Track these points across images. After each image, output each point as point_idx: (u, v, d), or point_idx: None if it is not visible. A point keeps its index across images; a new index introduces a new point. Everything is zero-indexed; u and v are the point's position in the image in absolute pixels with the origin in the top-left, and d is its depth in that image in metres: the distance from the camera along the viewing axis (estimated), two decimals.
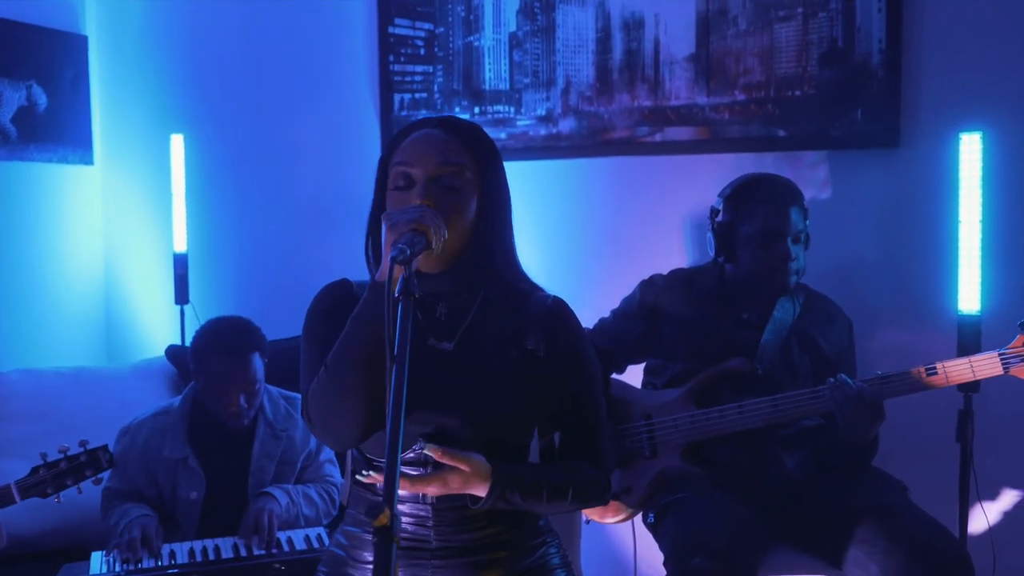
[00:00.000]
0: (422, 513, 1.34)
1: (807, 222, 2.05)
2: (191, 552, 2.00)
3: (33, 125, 3.14)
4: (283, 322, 2.97)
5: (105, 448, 1.87)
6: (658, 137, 2.51)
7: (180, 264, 3.04)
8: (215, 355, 2.10)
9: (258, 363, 2.13)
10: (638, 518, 2.11)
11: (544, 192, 2.71)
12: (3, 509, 1.79)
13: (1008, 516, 2.23)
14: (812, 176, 2.36)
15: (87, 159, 3.37)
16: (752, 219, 1.99)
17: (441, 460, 1.22)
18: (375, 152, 2.90)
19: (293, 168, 3.10)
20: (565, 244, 2.69)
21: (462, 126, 1.40)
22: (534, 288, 1.46)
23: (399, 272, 1.13)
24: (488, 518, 1.36)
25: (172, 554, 1.99)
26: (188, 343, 2.99)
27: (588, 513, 2.12)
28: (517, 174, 2.68)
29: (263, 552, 2.00)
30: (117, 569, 1.92)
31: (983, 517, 2.11)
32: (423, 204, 1.28)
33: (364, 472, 1.29)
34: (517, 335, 1.39)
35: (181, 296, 3.04)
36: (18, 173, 3.12)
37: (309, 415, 1.29)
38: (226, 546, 2.02)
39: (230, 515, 2.09)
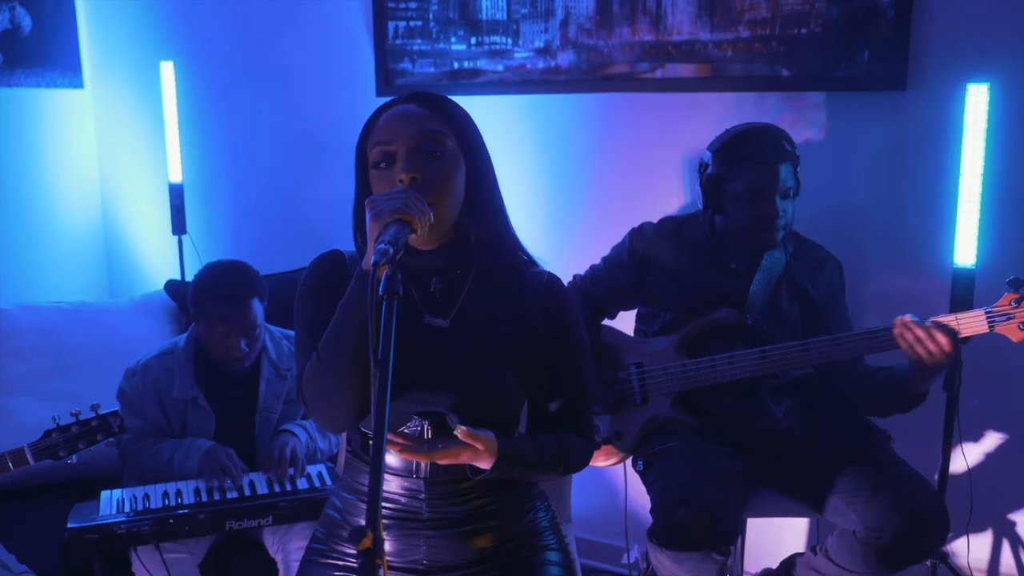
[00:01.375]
0: (414, 487, 1.39)
1: (798, 171, 2.02)
2: (196, 491, 2.07)
3: (19, 49, 3.06)
4: (281, 254, 3.00)
5: (115, 413, 1.90)
6: (659, 74, 2.44)
7: (176, 194, 3.02)
8: (215, 302, 2.11)
9: (258, 308, 2.15)
10: (629, 462, 2.17)
11: (542, 127, 2.66)
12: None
13: (988, 462, 2.29)
14: (814, 117, 2.31)
15: (76, 82, 3.30)
16: (740, 177, 1.96)
17: (466, 439, 1.26)
18: (369, 82, 2.84)
19: (286, 98, 3.04)
20: (562, 180, 2.67)
21: (434, 98, 1.38)
22: (530, 262, 1.46)
23: (384, 269, 1.13)
24: (479, 490, 1.40)
25: (179, 493, 2.06)
26: (186, 275, 3.03)
27: None
28: (514, 108, 2.68)
29: (266, 491, 2.07)
30: (126, 509, 1.99)
31: (963, 462, 2.17)
32: (407, 184, 1.27)
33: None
34: (512, 312, 1.40)
35: (178, 227, 3.03)
36: (7, 100, 3.07)
37: (304, 399, 1.32)
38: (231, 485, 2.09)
39: (239, 453, 2.15)
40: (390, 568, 1.41)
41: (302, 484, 2.10)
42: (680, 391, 2.06)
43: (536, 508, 1.51)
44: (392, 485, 1.40)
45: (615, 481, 2.51)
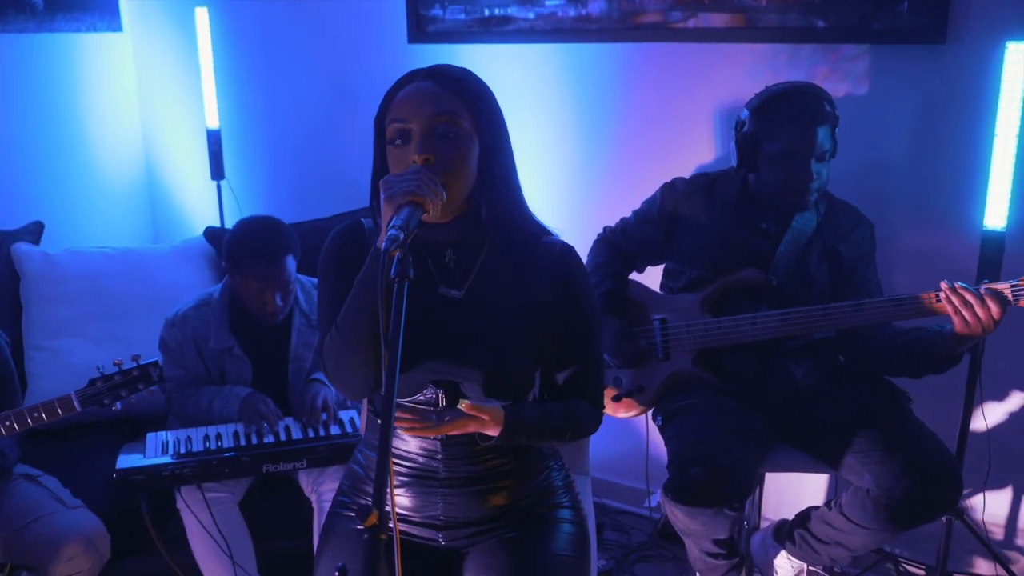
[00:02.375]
0: (431, 447, 1.45)
1: (836, 132, 1.99)
2: (236, 435, 2.17)
3: None
4: (315, 200, 3.06)
5: (156, 364, 1.98)
6: (691, 23, 2.39)
7: (214, 140, 3.07)
8: (249, 259, 2.17)
9: (291, 264, 2.20)
10: (650, 413, 2.22)
11: (572, 77, 2.64)
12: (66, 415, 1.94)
13: (1009, 421, 2.30)
14: (849, 70, 2.26)
15: (115, 26, 3.34)
16: (776, 137, 1.94)
17: (469, 412, 1.30)
18: (401, 29, 2.83)
19: (319, 45, 3.04)
20: (592, 131, 2.66)
21: (452, 75, 1.38)
22: (543, 232, 1.48)
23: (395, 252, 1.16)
24: (494, 451, 1.47)
25: (219, 436, 2.17)
26: (225, 221, 3.10)
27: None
28: (545, 57, 2.66)
29: (300, 437, 2.17)
30: (170, 451, 2.10)
31: (983, 421, 2.18)
32: (420, 165, 1.29)
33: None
34: (525, 283, 1.43)
35: (216, 172, 3.10)
36: (48, 45, 3.12)
37: (325, 367, 1.38)
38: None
39: (275, 400, 2.24)
40: (410, 522, 1.49)
41: (334, 430, 2.20)
42: (702, 348, 2.09)
43: (550, 468, 1.57)
44: (411, 445, 1.47)
45: (639, 427, 2.56)
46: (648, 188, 2.23)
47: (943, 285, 1.80)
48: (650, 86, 2.54)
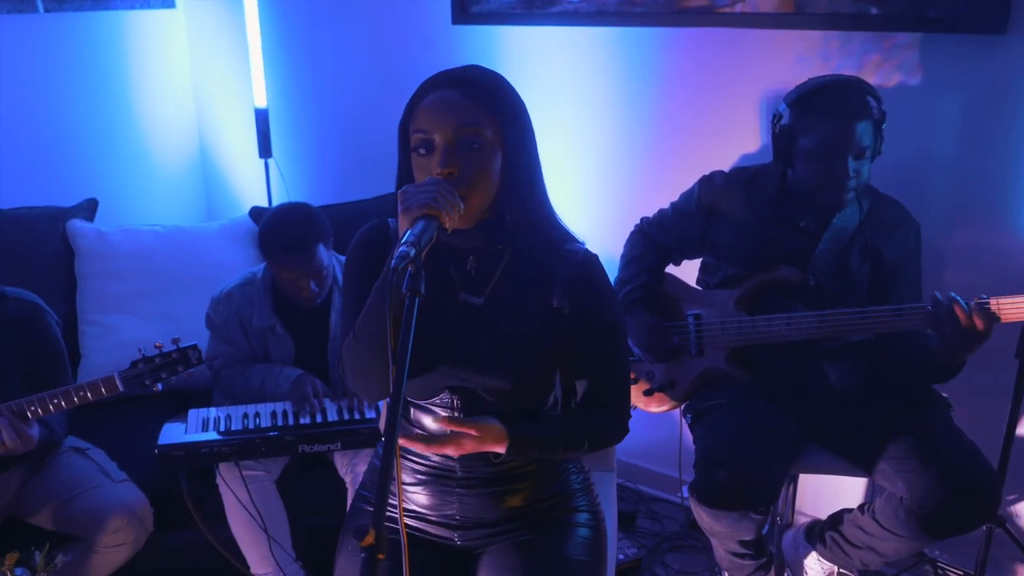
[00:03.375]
0: None
1: (883, 127, 1.92)
2: (273, 415, 2.23)
3: None
4: (360, 180, 3.08)
5: (195, 347, 2.03)
6: (739, 8, 2.32)
7: (261, 119, 3.11)
8: (281, 251, 2.21)
9: (322, 252, 2.23)
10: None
11: (616, 62, 2.59)
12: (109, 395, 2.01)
13: None
14: (902, 60, 2.17)
15: (168, 2, 3.39)
16: (812, 132, 1.88)
17: (451, 428, 1.31)
18: (445, 10, 2.80)
19: (364, 25, 3.05)
20: (634, 118, 2.61)
21: (477, 83, 1.36)
22: (567, 239, 1.46)
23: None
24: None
25: (258, 415, 2.22)
26: (272, 199, 3.15)
27: (634, 401, 2.23)
28: (589, 41, 2.61)
29: (336, 419, 2.21)
30: (210, 428, 2.17)
31: None
32: (440, 177, 1.29)
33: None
34: (545, 291, 1.42)
35: (264, 150, 3.14)
36: (104, 23, 3.19)
37: (343, 371, 1.40)
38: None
39: (319, 378, 2.29)
40: (427, 521, 1.52)
41: (370, 414, 2.23)
42: (735, 346, 2.06)
43: (568, 471, 1.57)
44: None
45: (675, 415, 2.54)
46: (690, 179, 2.18)
47: (934, 294, 1.80)
48: (695, 73, 2.48)
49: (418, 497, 1.51)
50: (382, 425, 1.60)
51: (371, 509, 1.51)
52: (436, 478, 1.49)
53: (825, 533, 2.10)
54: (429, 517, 1.51)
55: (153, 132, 3.43)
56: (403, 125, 1.38)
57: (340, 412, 2.24)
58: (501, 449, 1.36)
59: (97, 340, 2.67)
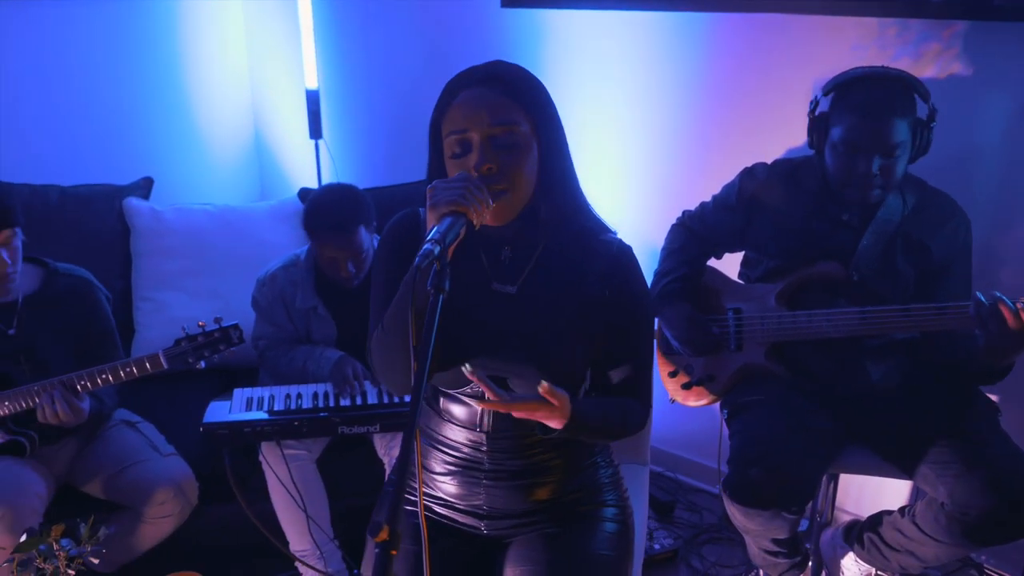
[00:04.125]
0: (477, 439, 1.48)
1: (930, 126, 1.84)
2: (315, 396, 2.27)
3: None
4: (409, 163, 3.10)
5: (236, 326, 2.08)
6: None
7: (312, 100, 3.15)
8: (323, 231, 2.24)
9: (363, 234, 2.25)
10: None
11: (662, 47, 2.54)
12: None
13: None
14: (963, 49, 2.08)
15: None
16: (841, 124, 1.83)
17: (545, 395, 1.25)
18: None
19: (415, 7, 3.04)
20: (678, 106, 2.57)
21: (508, 79, 1.35)
22: (601, 230, 1.45)
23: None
24: (539, 446, 1.48)
25: (300, 396, 2.26)
26: (322, 179, 3.19)
27: (673, 394, 2.21)
28: (632, 25, 2.57)
29: (375, 402, 2.23)
30: (254, 408, 2.22)
31: None
32: (472, 174, 1.29)
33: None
34: (578, 281, 1.41)
35: (315, 131, 3.18)
36: (164, 5, 3.25)
37: (371, 363, 1.42)
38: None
39: (359, 360, 2.32)
40: (455, 509, 1.53)
41: (408, 398, 2.26)
42: (775, 341, 2.03)
43: (597, 465, 1.57)
44: (457, 434, 1.50)
45: (717, 408, 2.52)
46: (735, 169, 2.14)
47: (973, 293, 1.74)
48: (745, 59, 2.42)
49: (447, 487, 1.52)
50: (412, 414, 1.61)
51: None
52: (465, 469, 1.50)
53: (864, 534, 2.06)
54: (457, 506, 1.53)
55: (209, 113, 3.49)
56: (434, 122, 1.38)
57: (380, 395, 2.26)
58: (560, 424, 1.32)
59: (150, 316, 2.75)
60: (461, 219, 1.22)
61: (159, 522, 2.17)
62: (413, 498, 1.57)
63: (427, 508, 1.56)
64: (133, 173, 2.98)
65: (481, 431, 1.47)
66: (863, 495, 2.51)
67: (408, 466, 1.03)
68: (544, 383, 1.27)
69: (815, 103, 1.92)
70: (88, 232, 2.80)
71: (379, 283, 1.47)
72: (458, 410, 1.48)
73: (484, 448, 1.48)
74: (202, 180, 3.47)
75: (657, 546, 2.52)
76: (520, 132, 1.33)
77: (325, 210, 2.25)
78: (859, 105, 1.80)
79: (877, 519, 2.07)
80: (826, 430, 1.93)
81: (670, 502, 2.74)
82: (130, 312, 2.78)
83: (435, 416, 1.54)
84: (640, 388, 1.49)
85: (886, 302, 1.89)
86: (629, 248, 1.47)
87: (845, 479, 2.41)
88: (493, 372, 1.42)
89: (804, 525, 2.36)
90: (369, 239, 2.29)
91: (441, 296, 1.15)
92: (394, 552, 0.98)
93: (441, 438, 1.52)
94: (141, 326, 2.75)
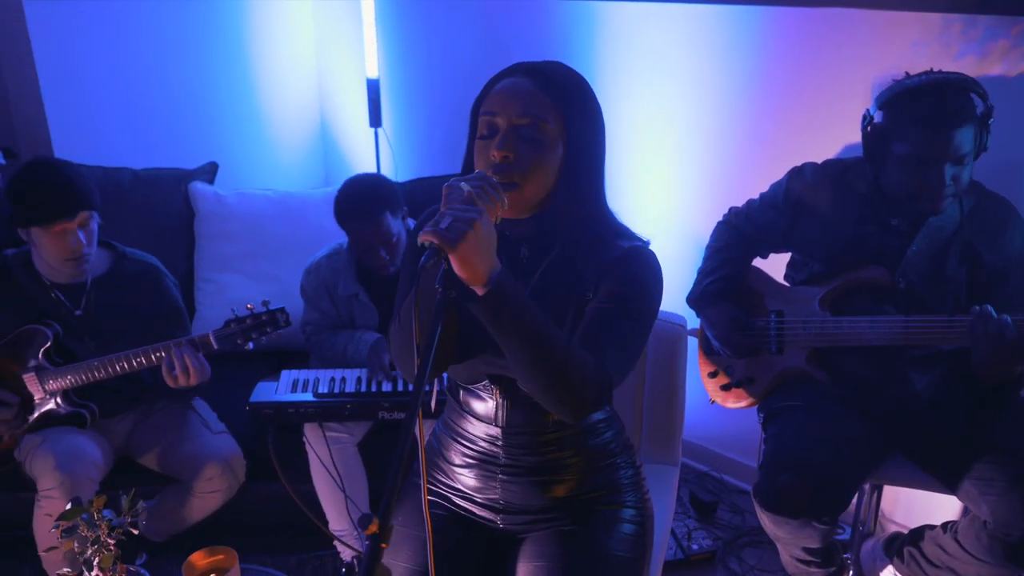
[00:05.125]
0: (493, 433, 1.50)
1: (988, 124, 1.76)
2: (358, 380, 2.32)
3: None
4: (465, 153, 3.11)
5: (282, 310, 2.15)
6: None
7: (373, 89, 3.20)
8: (351, 219, 2.29)
9: (389, 220, 2.27)
10: None
11: (717, 41, 2.49)
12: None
13: None
14: None
15: None
16: (906, 138, 1.75)
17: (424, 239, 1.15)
18: None
19: (476, 2, 3.05)
20: (729, 102, 2.52)
21: (552, 76, 1.34)
22: (622, 236, 1.42)
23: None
24: (557, 443, 1.48)
25: (343, 380, 2.32)
26: (381, 167, 3.25)
27: (712, 395, 2.18)
28: (689, 18, 2.53)
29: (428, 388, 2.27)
30: (299, 390, 2.29)
31: None
32: (499, 162, 1.30)
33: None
34: (577, 283, 1.39)
35: (374, 120, 3.23)
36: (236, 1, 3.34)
37: (390, 350, 1.45)
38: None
39: None
40: (473, 502, 1.56)
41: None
42: (816, 347, 1.98)
43: (616, 465, 1.56)
44: (475, 428, 1.52)
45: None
46: (788, 167, 2.09)
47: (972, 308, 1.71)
48: (801, 55, 2.35)
49: (465, 479, 1.55)
50: (433, 408, 1.63)
51: (418, 481, 1.60)
52: (481, 463, 1.52)
53: (904, 548, 2.01)
54: (475, 499, 1.55)
55: (276, 100, 3.58)
56: (475, 107, 1.39)
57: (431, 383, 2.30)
58: (481, 284, 1.20)
59: (211, 297, 2.85)
60: (467, 226, 1.16)
61: (207, 496, 2.27)
62: (435, 488, 1.60)
63: (446, 499, 1.59)
64: (201, 158, 3.09)
65: (497, 426, 1.49)
66: (912, 507, 2.43)
67: (404, 460, 1.05)
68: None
69: (868, 118, 1.85)
70: (156, 214, 2.92)
71: (404, 275, 1.50)
72: (476, 404, 1.51)
73: (500, 443, 1.50)
74: (268, 166, 3.57)
75: (695, 546, 2.50)
76: (546, 129, 1.32)
77: (349, 199, 2.31)
78: (926, 118, 1.73)
79: (919, 533, 2.01)
80: (865, 439, 1.88)
81: (712, 502, 2.71)
82: (192, 293, 2.88)
83: (456, 409, 1.56)
84: (602, 348, 1.30)
85: (934, 311, 1.82)
86: (645, 253, 1.40)
87: (893, 491, 2.34)
88: (501, 371, 1.43)
89: (847, 534, 2.31)
90: (399, 225, 2.32)
91: (447, 294, 1.16)
92: (384, 545, 1.00)
93: (460, 431, 1.55)
94: (202, 306, 2.86)
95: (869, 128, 1.84)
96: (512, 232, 1.43)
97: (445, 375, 1.59)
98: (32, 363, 2.16)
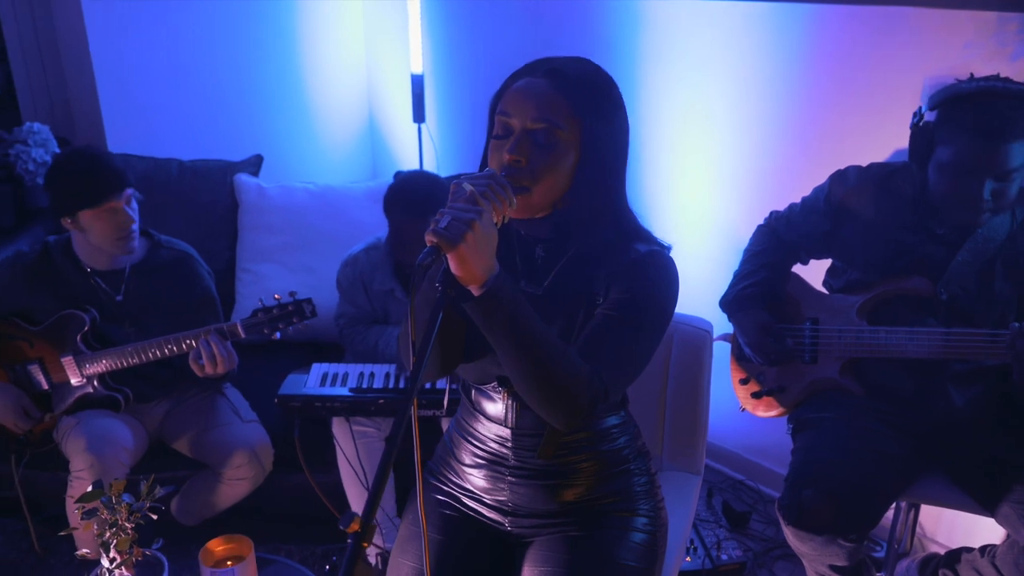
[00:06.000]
0: (503, 433, 1.48)
1: None
2: (387, 376, 2.32)
3: None
4: None
5: (308, 301, 2.16)
6: None
7: (417, 84, 3.20)
8: (399, 212, 2.28)
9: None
10: None
11: (762, 38, 2.42)
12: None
13: None
14: None
15: None
16: (950, 144, 1.67)
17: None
18: None
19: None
20: (778, 101, 2.44)
21: (571, 77, 1.30)
22: (640, 239, 1.38)
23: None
24: (567, 447, 1.46)
25: (372, 376, 2.32)
26: (423, 163, 3.25)
27: (743, 403, 2.12)
28: (733, 14, 2.46)
29: (444, 386, 2.27)
30: (328, 383, 2.30)
31: None
32: (509, 164, 1.28)
33: None
34: (588, 286, 1.36)
35: (418, 115, 3.24)
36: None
37: (399, 350, 1.44)
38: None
39: None
40: (481, 503, 1.54)
41: (441, 383, 2.26)
42: (852, 357, 1.91)
43: (630, 472, 1.52)
44: (485, 428, 1.50)
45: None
46: (833, 170, 2.02)
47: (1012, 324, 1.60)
48: (849, 55, 2.27)
49: (474, 479, 1.53)
50: (443, 410, 1.63)
51: (435, 482, 1.59)
52: (490, 463, 1.50)
53: (940, 570, 1.92)
54: (484, 499, 1.53)
55: (325, 95, 3.62)
56: (493, 103, 1.36)
57: (448, 379, 2.29)
58: (477, 285, 1.20)
59: (250, 287, 2.89)
60: (466, 225, 1.15)
61: (235, 484, 2.30)
62: (446, 488, 1.59)
63: (456, 499, 1.57)
64: (248, 151, 3.13)
65: (506, 426, 1.47)
66: (955, 527, 2.33)
67: (388, 467, 1.04)
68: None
69: (919, 115, 1.77)
70: (202, 204, 2.97)
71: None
72: (487, 404, 1.49)
73: (509, 444, 1.48)
74: (315, 159, 3.61)
75: (724, 556, 2.44)
76: (558, 135, 1.29)
77: (404, 190, 2.30)
78: (972, 126, 1.64)
79: (956, 555, 1.92)
80: (898, 456, 1.80)
81: (746, 513, 2.64)
82: (232, 282, 2.93)
83: (468, 409, 1.55)
84: (599, 354, 1.28)
85: (978, 325, 1.74)
86: (660, 258, 1.36)
87: (936, 508, 2.25)
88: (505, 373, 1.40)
89: (883, 552, 2.23)
90: None
91: (447, 293, 1.14)
92: (366, 544, 0.99)
93: (471, 430, 1.53)
94: (241, 296, 2.90)
95: (918, 126, 1.76)
96: (528, 232, 1.41)
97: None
98: (70, 347, 2.22)
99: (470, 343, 1.37)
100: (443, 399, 2.18)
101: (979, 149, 1.63)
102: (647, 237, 1.40)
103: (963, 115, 1.66)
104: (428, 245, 1.15)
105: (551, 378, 1.23)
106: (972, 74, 1.73)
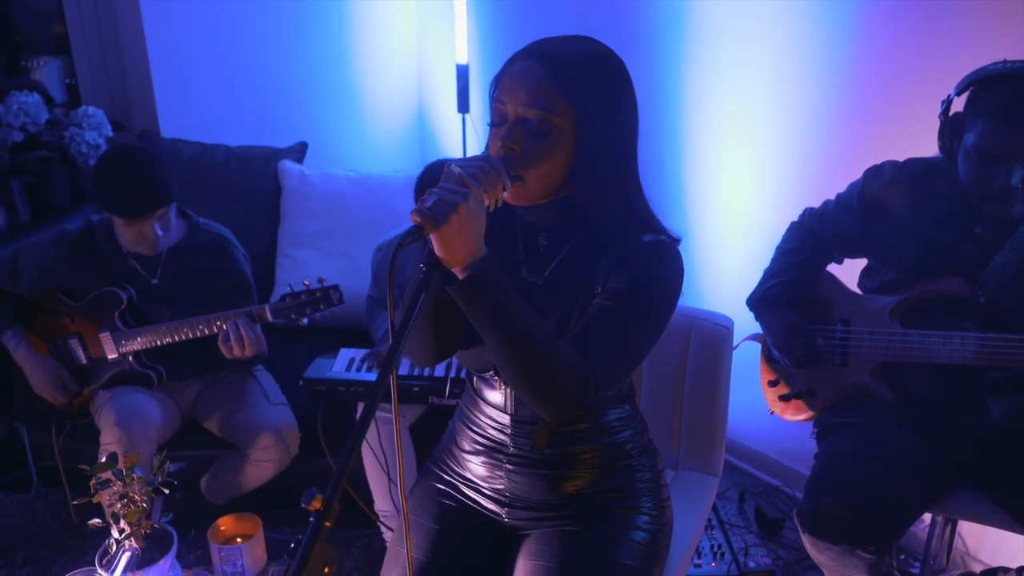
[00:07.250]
0: (503, 420, 1.45)
1: None
2: (411, 364, 2.32)
3: None
4: None
5: (336, 287, 2.16)
6: None
7: (462, 75, 3.19)
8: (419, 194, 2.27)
9: None
10: None
11: (805, 29, 2.33)
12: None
13: None
14: None
15: None
16: (975, 129, 1.57)
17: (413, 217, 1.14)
18: None
19: None
20: (824, 96, 2.35)
21: (566, 62, 1.25)
22: (648, 229, 1.33)
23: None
24: (567, 437, 1.42)
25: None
26: (466, 155, 3.24)
27: (771, 406, 2.05)
28: (777, 12, 2.37)
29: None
30: (354, 369, 2.31)
31: None
32: (503, 151, 1.25)
33: None
34: (588, 276, 1.32)
35: (462, 105, 3.23)
36: None
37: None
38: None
39: None
40: (479, 492, 1.52)
41: (439, 370, 2.25)
42: (883, 361, 1.82)
43: (633, 467, 1.48)
44: (485, 415, 1.48)
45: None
46: (871, 159, 1.93)
47: None
48: (896, 49, 2.16)
49: (473, 466, 1.51)
50: (447, 388, 1.61)
51: (437, 471, 1.57)
52: (489, 450, 1.48)
53: None
54: (482, 488, 1.51)
55: (374, 84, 3.64)
56: (492, 88, 1.33)
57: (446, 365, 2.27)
58: (460, 267, 1.17)
59: (288, 272, 2.93)
60: (450, 207, 1.13)
61: (261, 465, 2.33)
62: (446, 476, 1.57)
63: (455, 488, 1.55)
64: (296, 138, 3.18)
65: (507, 412, 1.45)
66: (1000, 546, 2.20)
67: (359, 445, 1.03)
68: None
69: (948, 103, 1.68)
70: (247, 189, 3.02)
71: None
72: (487, 391, 1.47)
73: (509, 431, 1.45)
74: (364, 149, 3.64)
75: (752, 563, 2.36)
76: (551, 122, 1.24)
77: (430, 181, 2.28)
78: (1000, 108, 1.55)
79: (991, 575, 1.81)
80: (927, 466, 1.71)
81: (778, 519, 2.55)
82: (272, 266, 2.97)
83: (470, 395, 1.53)
84: (591, 347, 1.23)
85: (1017, 330, 1.64)
86: (664, 248, 1.31)
87: (979, 527, 2.14)
88: None
89: (916, 570, 2.13)
90: None
91: (430, 275, 1.12)
92: (328, 524, 0.97)
93: (472, 416, 1.51)
94: (279, 281, 2.94)
95: (947, 115, 1.67)
96: (531, 219, 1.38)
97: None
98: (108, 324, 2.28)
99: (467, 329, 1.35)
100: (445, 387, 2.17)
101: (1006, 133, 1.54)
102: (656, 227, 1.35)
103: (991, 97, 1.57)
104: (412, 224, 1.13)
105: (536, 368, 1.20)
106: (1005, 60, 1.63)
